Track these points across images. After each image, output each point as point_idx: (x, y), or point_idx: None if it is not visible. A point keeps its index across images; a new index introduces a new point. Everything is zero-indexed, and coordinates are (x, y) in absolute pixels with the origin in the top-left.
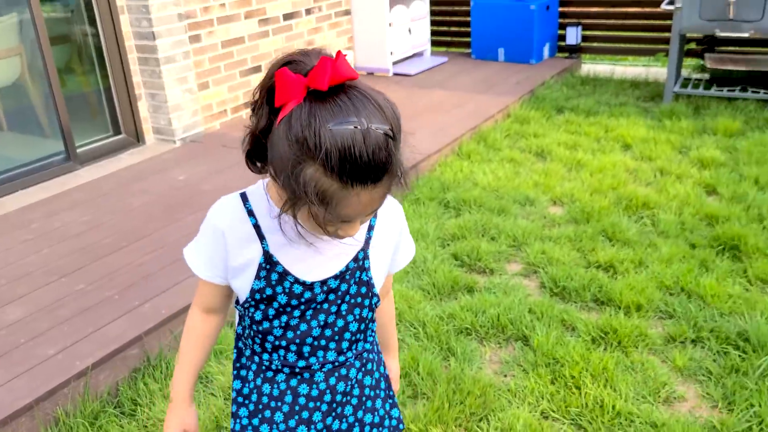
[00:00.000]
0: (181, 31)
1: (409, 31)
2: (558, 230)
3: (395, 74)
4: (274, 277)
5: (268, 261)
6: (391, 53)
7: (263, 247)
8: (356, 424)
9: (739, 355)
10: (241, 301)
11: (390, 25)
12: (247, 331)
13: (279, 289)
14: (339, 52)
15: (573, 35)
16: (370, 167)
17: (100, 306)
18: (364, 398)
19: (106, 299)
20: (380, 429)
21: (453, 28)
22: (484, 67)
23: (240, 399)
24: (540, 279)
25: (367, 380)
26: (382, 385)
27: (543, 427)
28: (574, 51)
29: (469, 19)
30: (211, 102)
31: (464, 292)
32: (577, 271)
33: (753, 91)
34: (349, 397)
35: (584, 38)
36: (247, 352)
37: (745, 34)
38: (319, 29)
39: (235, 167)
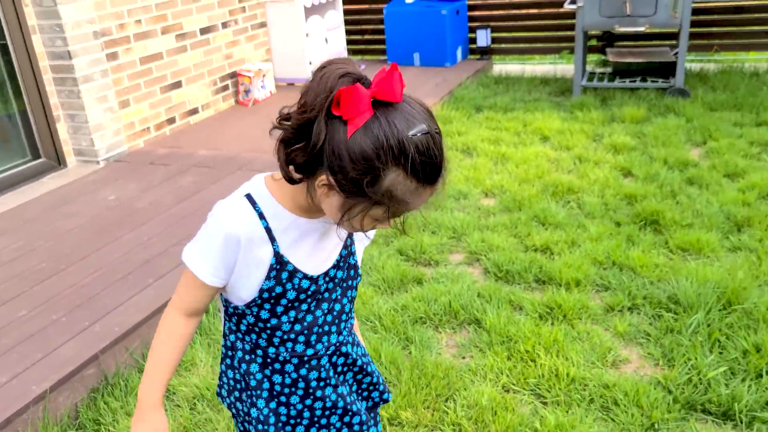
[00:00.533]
0: (97, 49)
1: (326, 40)
2: (494, 219)
3: None
4: (285, 275)
5: (279, 261)
6: (310, 63)
7: (274, 249)
8: (355, 384)
9: (672, 317)
10: (245, 302)
11: (307, 35)
12: (246, 328)
13: (288, 285)
14: (394, 64)
15: (483, 37)
16: (439, 166)
17: (47, 330)
18: (363, 364)
19: (53, 323)
20: (378, 387)
21: (367, 36)
22: (402, 72)
23: (255, 391)
24: (483, 266)
25: (360, 350)
26: (366, 354)
27: (506, 399)
28: (485, 53)
29: (383, 26)
30: (133, 120)
31: (414, 284)
32: (517, 255)
33: (652, 81)
34: (351, 366)
35: (493, 40)
36: (247, 347)
37: (641, 29)
38: (237, 42)
39: (165, 183)
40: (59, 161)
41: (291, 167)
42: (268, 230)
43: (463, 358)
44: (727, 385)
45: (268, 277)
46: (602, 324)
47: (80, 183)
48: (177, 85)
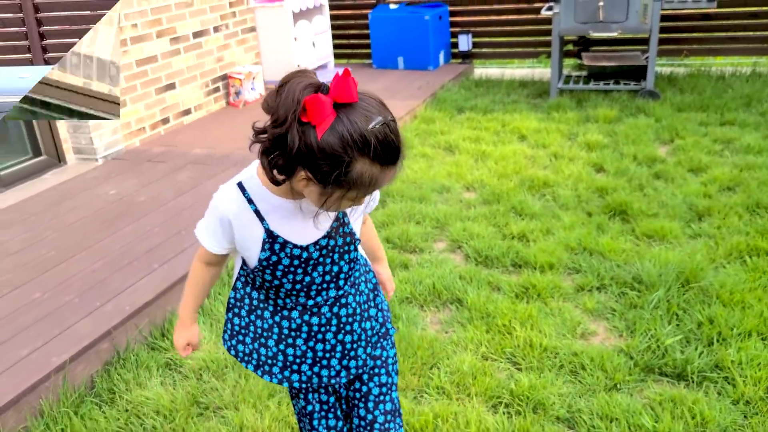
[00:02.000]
0: None
1: (313, 44)
2: (474, 211)
3: None
4: (277, 247)
5: (270, 236)
6: (298, 66)
7: (264, 227)
8: (362, 333)
9: (636, 294)
10: (251, 267)
11: (295, 39)
12: (259, 284)
13: (282, 254)
14: (347, 69)
15: (464, 42)
16: (398, 149)
17: (62, 310)
18: (364, 313)
19: (67, 303)
20: (379, 330)
21: (353, 41)
22: (386, 76)
23: (265, 333)
24: (464, 252)
25: (361, 298)
26: (371, 296)
27: (485, 366)
28: (467, 57)
29: (367, 31)
30: (129, 120)
31: (401, 269)
32: (496, 242)
33: (624, 83)
34: (354, 317)
35: (474, 45)
36: (262, 296)
37: (614, 34)
38: (228, 46)
39: (164, 179)
40: (59, 159)
41: (275, 171)
42: (257, 212)
43: (446, 332)
44: (682, 351)
45: (263, 249)
46: (573, 302)
47: (81, 179)
48: (171, 86)
